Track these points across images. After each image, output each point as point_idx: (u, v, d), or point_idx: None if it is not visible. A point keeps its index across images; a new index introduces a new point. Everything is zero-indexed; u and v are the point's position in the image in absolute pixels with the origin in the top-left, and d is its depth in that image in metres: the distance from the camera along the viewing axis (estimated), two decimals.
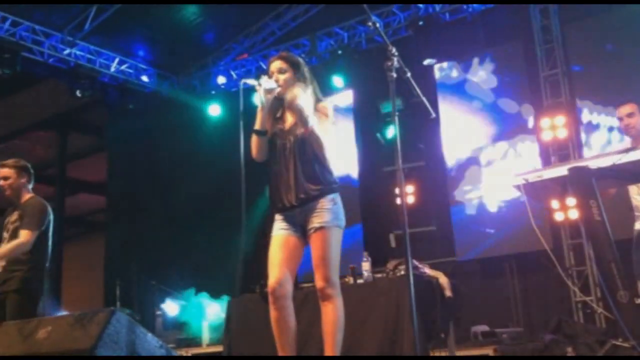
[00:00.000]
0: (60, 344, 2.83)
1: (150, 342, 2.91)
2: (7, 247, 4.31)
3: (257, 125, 3.48)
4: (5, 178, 4.46)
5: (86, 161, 11.67)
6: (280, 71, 3.49)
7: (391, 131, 7.78)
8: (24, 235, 4.27)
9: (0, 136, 10.72)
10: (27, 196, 4.51)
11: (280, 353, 3.42)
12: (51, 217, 4.49)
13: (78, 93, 8.39)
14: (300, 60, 3.61)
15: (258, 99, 3.39)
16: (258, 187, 8.33)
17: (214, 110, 9.22)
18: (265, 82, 3.40)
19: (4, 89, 9.84)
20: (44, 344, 2.91)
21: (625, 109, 4.35)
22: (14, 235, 4.36)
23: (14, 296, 4.26)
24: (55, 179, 11.31)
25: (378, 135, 8.23)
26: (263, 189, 8.42)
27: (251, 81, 3.42)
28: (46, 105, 10.19)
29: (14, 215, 4.44)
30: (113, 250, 8.91)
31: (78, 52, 8.47)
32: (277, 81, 3.46)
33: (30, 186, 4.55)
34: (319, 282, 3.37)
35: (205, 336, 7.00)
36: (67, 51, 8.35)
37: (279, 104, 3.53)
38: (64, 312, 9.55)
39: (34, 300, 4.40)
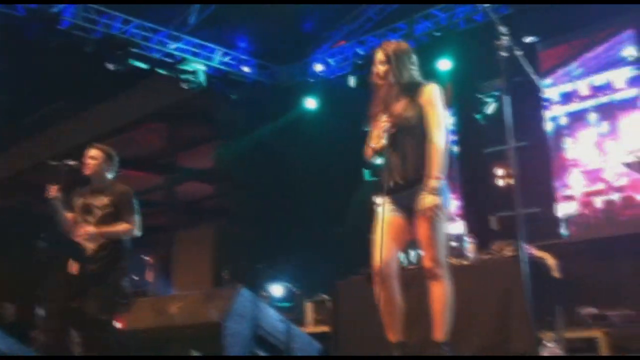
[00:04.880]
0: (191, 317, 3.07)
1: (272, 316, 3.09)
2: (116, 228, 4.43)
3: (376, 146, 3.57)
4: (93, 158, 4.58)
5: (194, 150, 12.18)
6: (381, 62, 3.59)
7: (492, 109, 7.67)
8: (133, 222, 4.45)
9: (115, 129, 11.32)
10: (112, 183, 4.62)
11: (389, 333, 3.54)
12: None
13: (184, 85, 8.81)
14: (399, 47, 3.66)
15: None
16: (359, 172, 8.52)
17: (310, 103, 9.45)
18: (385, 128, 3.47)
19: (117, 85, 10.42)
20: (176, 318, 3.15)
21: None
22: (107, 220, 4.46)
23: (106, 275, 4.38)
24: (166, 168, 11.90)
25: (477, 116, 8.13)
26: (363, 174, 8.59)
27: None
28: (156, 98, 10.72)
29: (101, 200, 4.52)
30: (222, 236, 9.33)
31: (183, 46, 8.87)
32: (377, 72, 3.55)
33: (112, 174, 4.65)
34: (427, 263, 3.46)
35: (310, 317, 7.22)
36: (173, 46, 8.76)
37: (382, 92, 3.62)
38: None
39: (124, 279, 4.52)
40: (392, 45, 3.68)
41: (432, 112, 3.50)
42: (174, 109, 10.91)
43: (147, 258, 13.37)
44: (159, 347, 3.25)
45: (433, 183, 3.38)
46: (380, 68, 3.58)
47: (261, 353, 3.20)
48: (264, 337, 3.16)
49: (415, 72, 3.63)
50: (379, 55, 3.61)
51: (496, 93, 7.63)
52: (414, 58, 3.66)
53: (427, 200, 3.37)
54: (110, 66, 8.17)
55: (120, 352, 4.11)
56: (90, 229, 4.38)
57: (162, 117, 11.37)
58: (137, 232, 4.51)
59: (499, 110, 3.42)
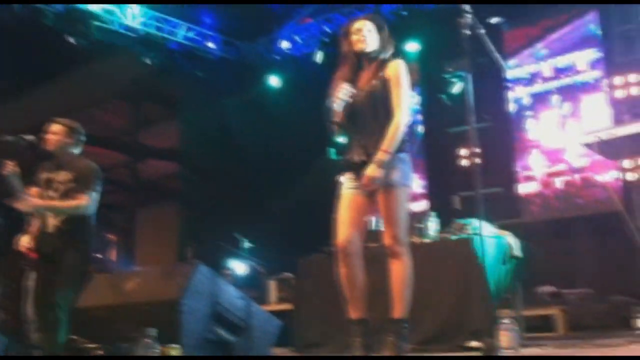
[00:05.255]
0: (149, 294, 3.02)
1: (232, 293, 3.06)
2: (67, 203, 4.32)
3: (337, 118, 3.54)
4: (54, 133, 4.47)
5: (159, 128, 11.97)
6: (365, 29, 3.55)
7: (457, 89, 7.71)
8: (85, 199, 4.32)
9: (76, 106, 11.06)
10: (76, 158, 4.52)
11: (351, 310, 3.53)
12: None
13: (147, 61, 8.64)
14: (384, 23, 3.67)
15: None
16: (324, 151, 8.48)
17: (273, 81, 9.39)
18: (344, 93, 3.46)
19: (78, 59, 10.16)
20: (134, 295, 3.09)
21: None
22: (66, 195, 4.36)
23: (70, 253, 4.32)
24: (128, 146, 11.68)
25: (443, 96, 8.16)
26: (328, 152, 8.55)
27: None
28: (118, 74, 10.49)
29: (64, 175, 4.42)
30: (186, 214, 9.22)
31: (147, 21, 8.68)
32: (362, 40, 3.50)
33: (77, 150, 4.56)
34: (387, 240, 3.45)
35: (273, 294, 7.22)
36: (136, 20, 8.57)
37: (354, 62, 3.60)
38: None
39: (88, 257, 4.47)
40: (379, 18, 3.68)
41: (396, 90, 3.49)
42: (136, 85, 10.70)
43: (110, 236, 13.21)
44: (115, 324, 3.20)
45: (380, 156, 3.36)
46: (369, 36, 3.55)
47: (220, 330, 3.18)
48: (222, 314, 3.13)
49: (391, 48, 3.64)
50: (367, 25, 3.57)
51: (461, 73, 7.67)
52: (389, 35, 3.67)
53: (368, 170, 3.37)
54: (71, 40, 7.96)
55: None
56: (35, 200, 4.27)
57: (125, 93, 11.14)
58: (88, 210, 4.38)
59: (464, 91, 3.42)
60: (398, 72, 3.52)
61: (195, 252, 7.76)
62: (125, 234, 11.33)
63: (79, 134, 4.59)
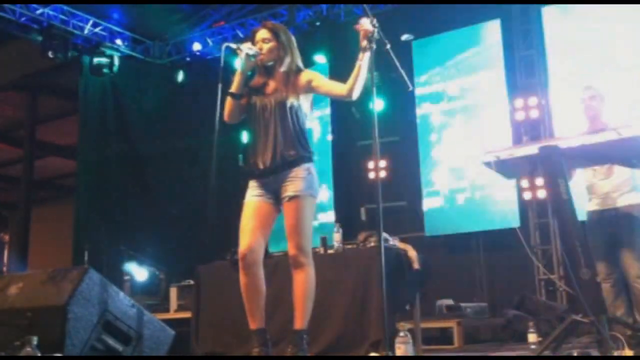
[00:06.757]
0: (32, 299, 2.84)
1: (122, 301, 2.93)
2: None
3: (233, 88, 3.50)
4: None
5: (57, 124, 11.47)
6: (264, 41, 3.52)
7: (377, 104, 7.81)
8: None
9: None
10: None
11: (250, 319, 3.47)
12: None
13: (50, 54, 8.22)
14: (285, 29, 3.64)
15: (239, 62, 3.42)
16: (231, 154, 8.39)
17: (180, 81, 9.22)
18: (248, 48, 3.43)
19: None
20: (16, 300, 2.90)
21: (588, 92, 4.52)
22: None
23: None
24: (24, 141, 11.10)
25: (353, 109, 8.22)
26: (236, 157, 8.47)
27: (234, 45, 3.43)
28: (18, 65, 9.96)
29: None
30: (82, 215, 8.84)
31: (51, 12, 8.28)
32: (260, 50, 3.49)
33: None
34: (291, 250, 3.42)
35: (173, 302, 7.02)
36: (39, 10, 8.16)
37: (260, 71, 3.58)
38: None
39: None
40: (279, 25, 3.65)
41: (323, 80, 3.50)
42: (36, 78, 10.20)
43: (2, 235, 12.51)
44: None
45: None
46: (264, 45, 3.50)
47: (109, 340, 3.04)
48: (112, 322, 3.00)
49: (297, 54, 3.62)
50: (262, 33, 3.54)
51: (373, 87, 7.75)
52: (295, 43, 3.65)
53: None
54: None
55: None
56: None
57: (23, 85, 10.60)
58: None
59: (372, 105, 3.46)
60: (314, 74, 3.55)
61: (91, 255, 7.45)
62: (19, 234, 10.75)
63: None
